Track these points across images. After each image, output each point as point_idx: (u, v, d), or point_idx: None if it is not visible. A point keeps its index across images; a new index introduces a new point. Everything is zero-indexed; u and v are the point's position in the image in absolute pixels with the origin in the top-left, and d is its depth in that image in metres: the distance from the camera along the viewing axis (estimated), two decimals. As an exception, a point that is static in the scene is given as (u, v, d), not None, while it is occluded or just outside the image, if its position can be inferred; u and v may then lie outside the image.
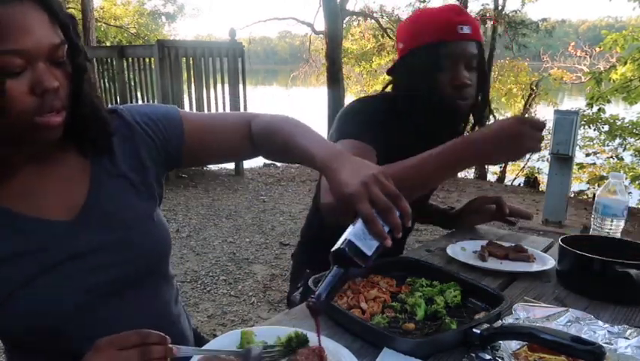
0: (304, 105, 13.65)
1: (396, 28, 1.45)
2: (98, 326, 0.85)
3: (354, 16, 11.35)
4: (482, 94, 1.38)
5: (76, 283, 0.83)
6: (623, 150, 9.15)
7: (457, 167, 1.23)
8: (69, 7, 14.83)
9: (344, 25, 10.34)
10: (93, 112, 0.86)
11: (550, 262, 1.32)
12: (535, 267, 1.32)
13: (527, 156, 11.07)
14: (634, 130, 8.34)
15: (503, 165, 11.09)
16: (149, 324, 0.91)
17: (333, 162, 0.82)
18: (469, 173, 11.57)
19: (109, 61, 6.71)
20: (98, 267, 0.85)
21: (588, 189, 8.89)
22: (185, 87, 6.36)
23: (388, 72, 1.47)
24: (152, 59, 5.99)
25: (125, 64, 6.53)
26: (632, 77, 6.98)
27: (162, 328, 0.94)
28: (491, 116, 1.48)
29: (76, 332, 0.84)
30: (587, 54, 12.39)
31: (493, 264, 1.33)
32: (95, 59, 6.76)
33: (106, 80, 6.96)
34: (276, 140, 0.98)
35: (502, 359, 0.87)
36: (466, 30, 1.27)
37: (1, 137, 0.75)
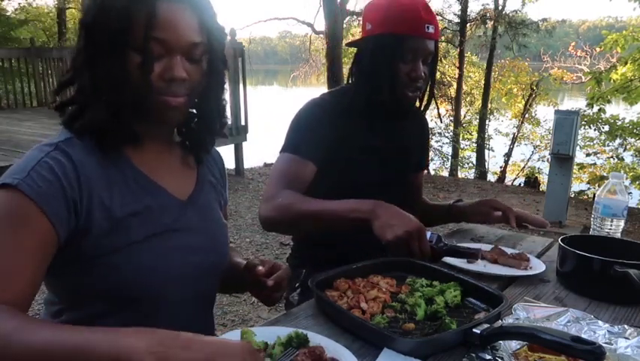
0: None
1: (365, 7, 1.52)
2: (170, 303, 0.94)
3: (354, 16, 11.33)
4: (429, 88, 1.52)
5: (174, 256, 0.93)
6: (624, 150, 9.17)
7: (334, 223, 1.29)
8: (69, 7, 14.82)
9: (344, 25, 10.33)
10: (216, 110, 0.99)
11: (540, 266, 1.30)
12: (526, 272, 1.28)
13: (533, 155, 11.11)
14: (634, 130, 8.35)
15: (504, 164, 11.12)
16: (201, 310, 1.05)
17: None
18: (469, 173, 11.58)
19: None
20: (191, 247, 0.96)
21: (588, 189, 8.90)
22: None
23: (349, 44, 1.64)
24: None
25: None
26: (633, 77, 6.98)
27: (206, 314, 1.08)
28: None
29: (153, 306, 0.91)
30: (587, 54, 12.40)
31: (489, 269, 1.30)
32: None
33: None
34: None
35: (502, 359, 0.88)
36: (430, 30, 1.38)
37: (132, 110, 0.88)
